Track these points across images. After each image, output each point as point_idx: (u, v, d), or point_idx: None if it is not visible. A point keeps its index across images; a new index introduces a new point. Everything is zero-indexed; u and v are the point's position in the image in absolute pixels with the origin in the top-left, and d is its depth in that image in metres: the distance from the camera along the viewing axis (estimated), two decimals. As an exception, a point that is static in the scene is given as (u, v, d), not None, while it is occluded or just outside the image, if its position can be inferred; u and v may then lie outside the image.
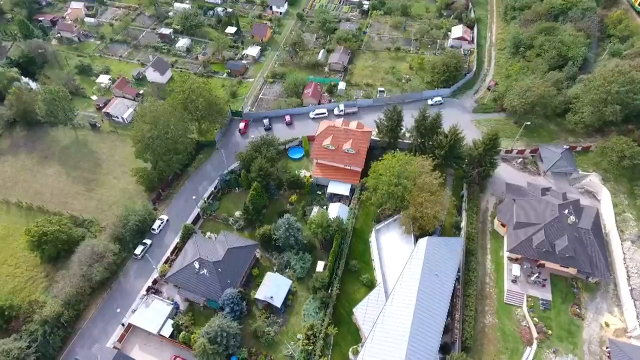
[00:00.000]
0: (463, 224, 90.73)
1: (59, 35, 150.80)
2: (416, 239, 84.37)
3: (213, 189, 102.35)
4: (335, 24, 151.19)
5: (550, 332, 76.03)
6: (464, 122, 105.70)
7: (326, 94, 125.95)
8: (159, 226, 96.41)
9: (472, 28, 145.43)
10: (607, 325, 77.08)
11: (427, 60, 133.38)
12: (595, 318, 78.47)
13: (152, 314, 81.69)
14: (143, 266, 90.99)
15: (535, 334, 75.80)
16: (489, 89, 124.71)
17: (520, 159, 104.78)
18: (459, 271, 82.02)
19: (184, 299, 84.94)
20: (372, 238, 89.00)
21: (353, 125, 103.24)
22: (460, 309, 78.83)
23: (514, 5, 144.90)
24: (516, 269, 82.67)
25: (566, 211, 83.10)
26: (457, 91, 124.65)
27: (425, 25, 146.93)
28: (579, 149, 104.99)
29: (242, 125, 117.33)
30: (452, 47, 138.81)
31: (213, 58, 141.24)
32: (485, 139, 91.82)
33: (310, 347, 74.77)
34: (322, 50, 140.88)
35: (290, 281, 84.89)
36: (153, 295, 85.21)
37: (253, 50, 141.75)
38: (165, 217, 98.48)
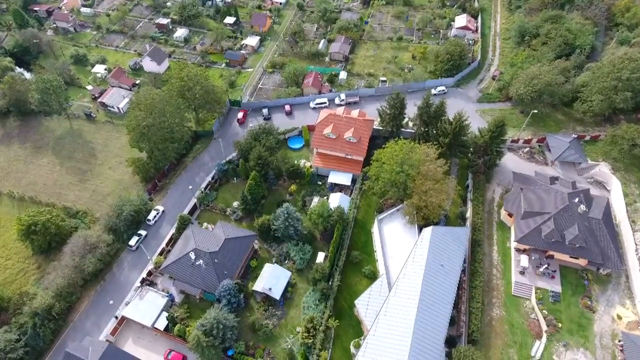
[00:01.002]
0: (468, 214, 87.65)
1: (54, 25, 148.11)
2: (420, 229, 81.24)
3: (210, 179, 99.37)
4: (336, 14, 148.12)
5: (560, 325, 72.90)
6: (469, 112, 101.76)
7: (327, 84, 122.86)
8: (155, 217, 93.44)
9: (476, 17, 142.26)
10: (619, 317, 73.97)
11: (430, 49, 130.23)
12: (606, 311, 75.36)
13: (146, 307, 78.69)
14: (137, 258, 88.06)
15: (544, 327, 72.69)
16: (493, 78, 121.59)
17: (527, 149, 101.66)
18: (464, 262, 78.93)
19: (179, 291, 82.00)
20: (375, 228, 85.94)
21: (355, 114, 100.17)
22: (466, 301, 75.76)
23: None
24: (524, 260, 79.53)
25: (576, 200, 79.98)
26: (461, 81, 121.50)
27: (428, 15, 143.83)
28: (587, 138, 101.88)
29: (240, 115, 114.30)
30: (455, 36, 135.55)
31: (211, 48, 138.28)
32: (491, 126, 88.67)
33: (310, 341, 71.74)
34: (322, 40, 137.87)
35: (290, 273, 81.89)
36: (147, 287, 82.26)
37: (252, 40, 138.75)
38: (161, 208, 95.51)
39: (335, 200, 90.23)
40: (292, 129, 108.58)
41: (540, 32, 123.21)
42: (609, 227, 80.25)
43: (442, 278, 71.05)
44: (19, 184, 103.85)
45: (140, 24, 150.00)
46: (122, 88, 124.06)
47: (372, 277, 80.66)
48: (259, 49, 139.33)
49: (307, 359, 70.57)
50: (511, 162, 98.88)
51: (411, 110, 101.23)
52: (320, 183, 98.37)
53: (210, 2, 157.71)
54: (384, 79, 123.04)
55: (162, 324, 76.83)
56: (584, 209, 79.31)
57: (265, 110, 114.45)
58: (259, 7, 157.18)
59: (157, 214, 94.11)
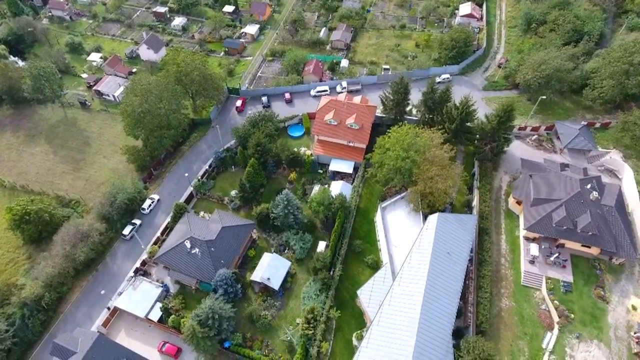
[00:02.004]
0: (475, 203, 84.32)
1: (50, 13, 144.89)
2: (425, 217, 77.89)
3: (207, 167, 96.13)
4: (338, 2, 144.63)
5: (572, 316, 69.52)
6: (474, 100, 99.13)
7: (328, 72, 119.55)
8: (150, 206, 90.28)
9: (480, 5, 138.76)
10: (634, 308, 70.61)
11: (434, 37, 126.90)
12: (621, 301, 71.95)
13: (140, 297, 75.50)
14: (131, 247, 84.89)
15: (556, 318, 69.32)
16: (499, 66, 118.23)
17: (535, 136, 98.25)
18: (471, 251, 75.61)
19: (174, 281, 78.76)
20: (378, 216, 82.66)
21: (357, 100, 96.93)
22: (474, 291, 72.47)
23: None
24: (534, 249, 76.18)
25: (588, 186, 76.64)
26: (465, 68, 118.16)
27: (432, 3, 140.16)
28: (597, 125, 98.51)
29: (239, 103, 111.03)
30: (460, 24, 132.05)
31: (210, 37, 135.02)
32: (499, 110, 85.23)
33: (311, 332, 68.43)
34: (323, 29, 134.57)
35: (289, 262, 78.65)
36: (141, 277, 79.10)
37: (251, 29, 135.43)
38: (156, 197, 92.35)
39: (337, 188, 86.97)
40: (292, 117, 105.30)
41: (547, 19, 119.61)
42: (622, 215, 76.91)
43: (449, 266, 67.69)
44: (10, 173, 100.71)
45: (138, 13, 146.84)
46: (118, 76, 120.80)
47: (375, 267, 77.41)
48: (258, 37, 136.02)
49: (307, 351, 67.42)
50: (518, 150, 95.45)
51: (415, 98, 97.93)
52: (321, 171, 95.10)
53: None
54: (387, 66, 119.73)
55: (156, 315, 73.66)
56: (596, 196, 75.98)
57: (264, 98, 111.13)
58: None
59: (153, 202, 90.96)
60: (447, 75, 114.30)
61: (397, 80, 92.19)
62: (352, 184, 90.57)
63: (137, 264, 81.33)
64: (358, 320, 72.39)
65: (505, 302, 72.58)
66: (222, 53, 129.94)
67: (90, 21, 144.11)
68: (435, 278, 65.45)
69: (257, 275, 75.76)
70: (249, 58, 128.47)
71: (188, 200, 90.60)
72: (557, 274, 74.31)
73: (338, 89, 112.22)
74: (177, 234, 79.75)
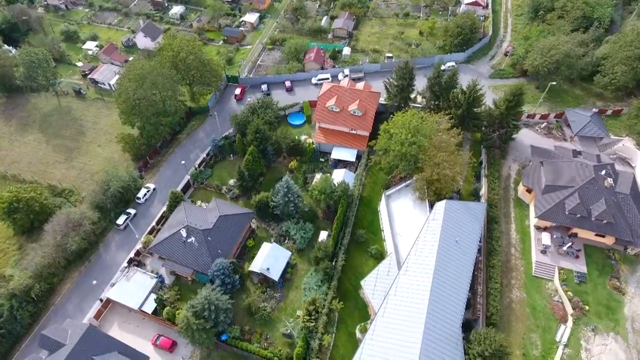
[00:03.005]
0: (483, 191, 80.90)
1: (45, 2, 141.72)
2: (431, 205, 74.50)
3: (205, 155, 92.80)
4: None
5: (587, 307, 66.14)
6: (482, 84, 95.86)
7: (330, 60, 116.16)
8: (145, 195, 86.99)
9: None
10: (651, 300, 67.35)
11: (439, 25, 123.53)
12: (637, 293, 68.66)
13: (134, 288, 72.23)
14: (126, 237, 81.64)
15: (570, 310, 65.98)
16: (506, 54, 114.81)
17: (544, 124, 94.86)
18: (480, 240, 72.18)
19: (169, 272, 75.48)
20: (382, 205, 79.28)
21: (360, 86, 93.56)
22: (483, 282, 69.09)
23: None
24: (546, 238, 72.79)
25: (603, 172, 73.23)
26: (471, 56, 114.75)
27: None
28: (609, 112, 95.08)
29: (238, 91, 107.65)
30: (465, 13, 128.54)
31: (208, 25, 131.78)
32: (508, 95, 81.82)
33: (312, 324, 65.10)
34: (325, 17, 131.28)
35: (290, 253, 75.32)
36: (135, 267, 75.80)
37: (251, 17, 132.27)
38: (152, 186, 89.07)
39: (339, 176, 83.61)
40: (292, 105, 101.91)
41: (555, 5, 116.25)
42: (637, 204, 73.42)
43: (458, 255, 64.31)
44: (1, 162, 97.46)
45: (135, 1, 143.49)
46: (114, 65, 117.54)
47: (379, 257, 74.12)
48: (258, 26, 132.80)
49: (309, 344, 64.09)
50: (527, 137, 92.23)
51: (419, 86, 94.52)
52: (322, 160, 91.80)
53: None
54: (390, 54, 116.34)
55: (150, 306, 70.38)
56: (611, 183, 72.61)
57: (264, 86, 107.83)
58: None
59: (148, 192, 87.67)
60: (452, 63, 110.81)
61: (402, 65, 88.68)
62: (354, 172, 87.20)
63: (131, 254, 78.04)
64: (362, 312, 69.09)
65: (516, 294, 69.23)
66: (221, 42, 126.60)
67: (87, 10, 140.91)
68: (443, 267, 62.06)
69: (256, 265, 72.48)
70: (248, 47, 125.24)
71: (185, 189, 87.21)
72: (570, 265, 70.97)
73: (340, 76, 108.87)
74: (173, 223, 76.44)
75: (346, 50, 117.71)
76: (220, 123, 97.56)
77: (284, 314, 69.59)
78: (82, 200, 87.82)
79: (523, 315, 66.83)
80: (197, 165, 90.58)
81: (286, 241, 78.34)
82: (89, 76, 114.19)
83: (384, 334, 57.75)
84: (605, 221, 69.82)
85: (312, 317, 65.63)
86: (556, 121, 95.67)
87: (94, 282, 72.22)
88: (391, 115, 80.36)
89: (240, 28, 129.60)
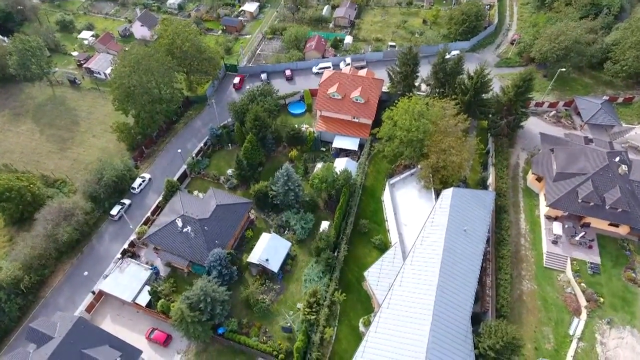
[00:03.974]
0: (490, 180, 77.86)
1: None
2: (437, 194, 71.48)
3: (202, 145, 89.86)
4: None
5: (602, 300, 63.04)
6: (490, 69, 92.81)
7: (331, 49, 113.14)
8: (140, 185, 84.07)
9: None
10: (669, 292, 64.23)
11: (443, 13, 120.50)
12: (654, 284, 65.52)
13: (127, 280, 69.27)
14: (120, 228, 78.70)
15: (584, 302, 62.91)
16: (512, 43, 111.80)
17: (553, 112, 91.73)
18: (488, 230, 69.07)
19: (165, 263, 72.53)
20: (386, 194, 76.28)
21: (363, 73, 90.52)
22: (492, 273, 66.01)
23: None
24: (557, 228, 69.72)
25: (617, 159, 70.11)
26: (477, 45, 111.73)
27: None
28: (620, 100, 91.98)
29: (237, 80, 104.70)
30: (469, 1, 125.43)
31: (207, 15, 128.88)
32: (517, 80, 78.67)
33: (313, 317, 62.04)
34: (326, 6, 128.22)
35: (290, 244, 72.26)
36: (129, 259, 72.86)
37: (251, 7, 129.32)
38: (147, 176, 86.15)
39: (341, 165, 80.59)
40: (292, 94, 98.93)
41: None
42: (652, 192, 70.39)
43: (466, 244, 61.26)
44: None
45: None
46: (110, 54, 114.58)
47: (383, 248, 71.04)
48: (258, 15, 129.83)
49: (309, 337, 61.08)
50: (535, 126, 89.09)
51: (423, 75, 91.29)
52: (324, 149, 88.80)
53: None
54: (393, 43, 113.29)
55: (144, 299, 67.43)
56: (625, 170, 69.51)
57: (264, 75, 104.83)
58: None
59: (143, 181, 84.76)
60: (457, 52, 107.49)
61: (406, 51, 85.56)
62: (357, 161, 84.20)
63: (125, 245, 75.12)
64: (365, 305, 66.06)
65: (527, 285, 66.16)
66: (220, 32, 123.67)
67: (83, 0, 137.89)
68: (451, 256, 59.01)
69: (255, 256, 69.48)
70: (247, 36, 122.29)
71: (181, 179, 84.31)
72: (583, 255, 67.89)
73: (342, 65, 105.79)
74: (169, 213, 73.48)
75: (348, 39, 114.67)
76: (218, 112, 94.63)
77: (284, 307, 66.63)
78: (76, 191, 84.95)
79: (534, 308, 63.77)
80: (194, 155, 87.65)
81: (286, 232, 75.35)
82: (84, 65, 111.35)
83: (389, 327, 54.74)
84: (620, 209, 66.78)
85: (313, 310, 62.58)
86: (565, 109, 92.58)
87: (85, 273, 69.20)
88: (395, 102, 77.25)
89: (239, 18, 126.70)
